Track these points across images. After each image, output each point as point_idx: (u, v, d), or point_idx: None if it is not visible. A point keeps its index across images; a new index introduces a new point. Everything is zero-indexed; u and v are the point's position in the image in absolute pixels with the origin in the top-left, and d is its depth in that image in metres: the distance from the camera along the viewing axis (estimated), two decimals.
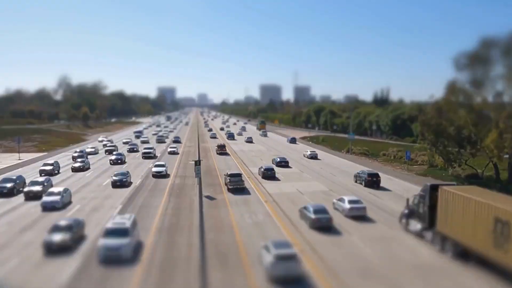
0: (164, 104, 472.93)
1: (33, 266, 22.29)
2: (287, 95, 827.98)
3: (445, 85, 48.47)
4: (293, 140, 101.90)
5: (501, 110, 44.07)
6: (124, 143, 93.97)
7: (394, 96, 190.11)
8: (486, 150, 45.47)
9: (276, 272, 20.12)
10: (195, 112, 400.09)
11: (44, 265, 22.44)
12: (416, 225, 27.48)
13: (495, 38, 43.64)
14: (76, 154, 66.42)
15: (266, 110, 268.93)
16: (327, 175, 53.22)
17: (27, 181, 42.74)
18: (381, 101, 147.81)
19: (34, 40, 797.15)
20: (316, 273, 21.50)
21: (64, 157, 69.18)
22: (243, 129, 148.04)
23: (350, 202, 32.69)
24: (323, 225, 28.74)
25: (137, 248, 24.48)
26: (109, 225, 24.72)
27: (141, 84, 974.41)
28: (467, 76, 46.11)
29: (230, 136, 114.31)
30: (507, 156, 46.29)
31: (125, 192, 41.43)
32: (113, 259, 22.27)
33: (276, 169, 53.51)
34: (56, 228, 24.92)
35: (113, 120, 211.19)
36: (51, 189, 36.94)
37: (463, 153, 48.93)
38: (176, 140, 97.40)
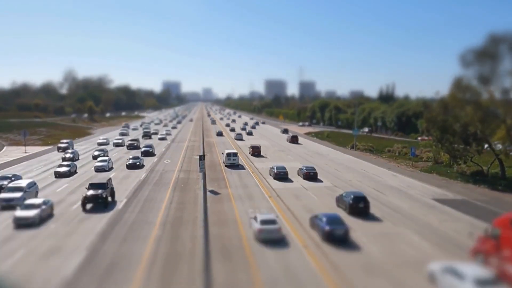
0: (169, 98, 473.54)
1: None
2: (292, 90, 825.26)
3: (452, 82, 48.17)
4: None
5: (509, 106, 43.75)
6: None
7: (399, 92, 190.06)
8: (492, 147, 45.21)
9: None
10: (200, 108, 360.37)
11: None
12: None
13: (503, 34, 43.29)
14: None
15: (271, 105, 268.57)
16: (331, 170, 53.15)
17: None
18: (387, 97, 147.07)
19: (41, 34, 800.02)
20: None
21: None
22: None
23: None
24: None
25: None
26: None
27: (146, 79, 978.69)
28: (474, 72, 45.73)
29: None
30: None
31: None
32: None
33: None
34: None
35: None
36: None
37: (469, 150, 48.68)
38: None
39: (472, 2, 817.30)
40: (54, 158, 62.52)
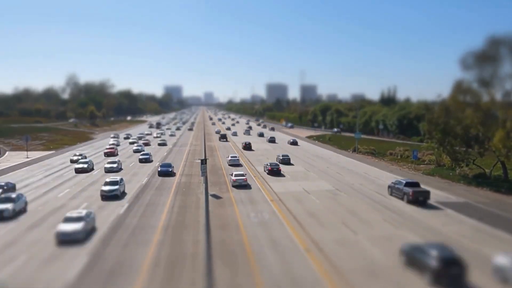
0: (170, 103, 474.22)
1: None
2: (294, 94, 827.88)
3: (453, 84, 48.15)
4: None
5: (509, 109, 43.67)
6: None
7: (401, 95, 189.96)
8: (493, 149, 45.11)
9: None
10: (201, 113, 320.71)
11: None
12: None
13: (504, 36, 43.33)
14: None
15: (273, 109, 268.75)
16: (333, 174, 53.09)
17: None
18: (388, 100, 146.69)
19: (43, 39, 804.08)
20: None
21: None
22: None
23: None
24: None
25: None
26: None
27: (148, 83, 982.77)
28: (475, 75, 45.74)
29: None
30: None
31: None
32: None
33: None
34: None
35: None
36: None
37: (471, 152, 48.57)
38: None
39: (473, 5, 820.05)
40: (56, 163, 62.66)
